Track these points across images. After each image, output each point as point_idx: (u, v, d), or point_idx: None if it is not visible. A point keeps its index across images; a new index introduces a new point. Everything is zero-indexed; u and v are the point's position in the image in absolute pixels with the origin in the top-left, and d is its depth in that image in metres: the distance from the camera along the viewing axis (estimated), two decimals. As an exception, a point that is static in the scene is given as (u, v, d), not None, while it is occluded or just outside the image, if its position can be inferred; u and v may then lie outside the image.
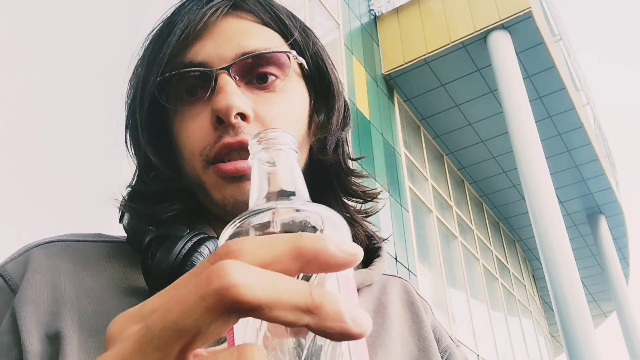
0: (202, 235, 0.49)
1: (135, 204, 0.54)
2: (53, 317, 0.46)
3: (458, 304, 8.12)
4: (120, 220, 0.56)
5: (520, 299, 11.19)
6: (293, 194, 0.29)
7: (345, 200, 0.60)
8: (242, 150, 0.50)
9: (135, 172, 0.58)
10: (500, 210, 11.03)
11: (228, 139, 0.50)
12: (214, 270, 0.21)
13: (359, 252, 0.24)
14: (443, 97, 8.43)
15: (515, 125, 6.73)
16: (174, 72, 0.52)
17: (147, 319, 0.22)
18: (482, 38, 7.62)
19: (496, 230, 11.12)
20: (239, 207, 0.51)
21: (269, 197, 0.29)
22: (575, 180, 10.03)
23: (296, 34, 0.56)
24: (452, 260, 8.47)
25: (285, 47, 0.56)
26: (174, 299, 0.21)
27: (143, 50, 0.57)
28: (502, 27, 7.50)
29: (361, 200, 0.61)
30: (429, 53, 7.93)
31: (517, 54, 7.41)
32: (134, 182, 0.58)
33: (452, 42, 7.78)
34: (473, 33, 7.67)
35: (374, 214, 0.62)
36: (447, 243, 8.53)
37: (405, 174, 7.71)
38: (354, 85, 7.14)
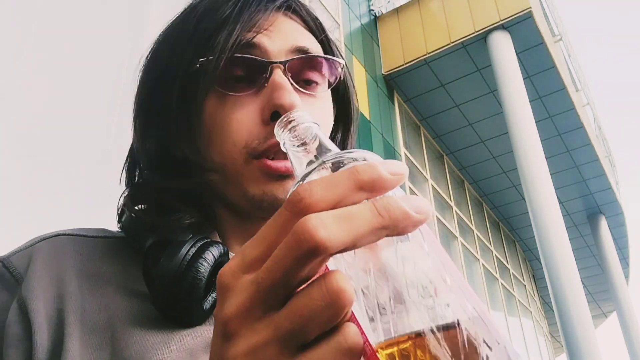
0: (206, 240, 0.48)
1: (138, 209, 0.53)
2: (58, 313, 0.46)
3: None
4: (119, 220, 0.55)
5: (520, 299, 11.19)
6: (329, 150, 0.32)
7: None
8: None
9: (138, 165, 0.57)
10: (500, 211, 11.03)
11: None
12: (300, 232, 0.25)
13: (405, 171, 0.29)
14: (443, 97, 8.43)
15: (515, 125, 6.73)
16: (226, 55, 0.50)
17: (252, 271, 0.27)
18: (482, 38, 7.62)
19: (496, 231, 11.12)
20: (276, 205, 0.51)
21: (312, 162, 0.32)
22: (576, 180, 10.03)
23: (334, 48, 0.59)
24: (452, 260, 8.46)
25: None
26: (274, 259, 0.26)
27: (178, 22, 0.56)
28: (502, 27, 7.50)
29: None
30: (429, 53, 7.93)
31: (517, 54, 7.41)
32: (135, 179, 0.57)
33: (452, 42, 7.79)
34: (473, 33, 7.67)
35: None
36: (447, 243, 8.53)
37: (405, 174, 7.70)
38: (354, 85, 7.13)
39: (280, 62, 0.51)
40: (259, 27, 0.52)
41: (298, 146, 0.33)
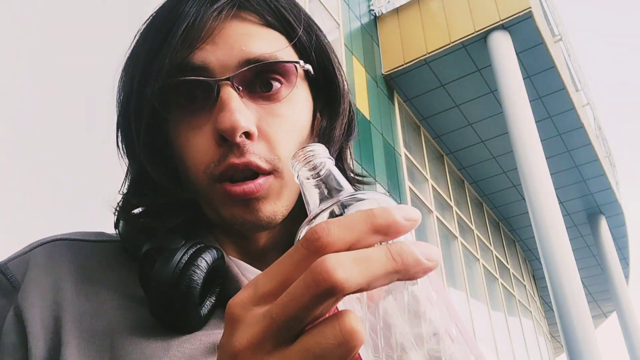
0: (198, 246, 0.48)
1: (132, 215, 0.53)
2: (55, 322, 0.46)
3: (458, 304, 8.12)
4: (116, 226, 0.55)
5: (520, 299, 11.19)
6: (342, 189, 0.34)
7: None
8: (247, 170, 0.49)
9: (127, 175, 0.56)
10: (500, 211, 11.03)
11: (234, 160, 0.48)
12: (318, 271, 0.26)
13: (418, 217, 0.30)
14: (443, 97, 8.43)
15: (515, 125, 6.73)
16: (172, 80, 0.49)
17: (264, 304, 0.28)
18: (482, 38, 7.62)
19: (496, 231, 11.12)
20: (247, 227, 0.50)
21: (325, 200, 0.33)
22: (575, 180, 10.03)
23: (301, 33, 0.54)
24: (452, 260, 8.48)
25: (290, 50, 0.53)
26: (290, 295, 0.26)
27: (134, 46, 0.55)
28: (502, 27, 7.50)
29: None
30: (429, 53, 7.93)
31: (517, 54, 7.41)
32: (127, 189, 0.56)
33: (452, 42, 7.79)
34: (473, 33, 7.67)
35: None
36: (447, 243, 8.54)
37: (405, 174, 7.71)
38: (354, 85, 7.14)
39: (225, 79, 0.48)
40: (201, 40, 0.49)
41: (309, 178, 0.34)
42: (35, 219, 2.23)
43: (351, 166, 0.60)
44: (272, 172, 0.50)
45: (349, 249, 0.27)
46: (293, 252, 0.28)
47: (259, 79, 0.51)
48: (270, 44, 0.51)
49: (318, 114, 0.57)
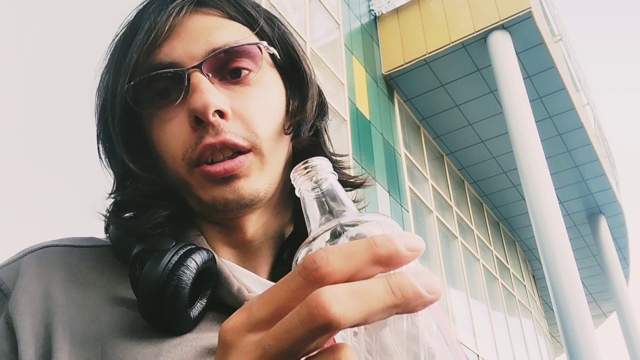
0: (189, 247, 0.48)
1: (119, 216, 0.54)
2: (46, 328, 0.46)
3: (458, 304, 8.12)
4: (106, 230, 0.55)
5: (520, 299, 11.19)
6: (345, 209, 0.33)
7: None
8: (224, 149, 0.49)
9: (114, 182, 0.57)
10: (500, 211, 11.03)
11: (210, 140, 0.49)
12: (313, 305, 0.25)
13: (422, 247, 0.28)
14: (443, 97, 8.43)
15: (515, 125, 6.73)
16: (143, 76, 0.51)
17: (257, 331, 0.27)
18: (482, 38, 7.63)
19: (496, 231, 11.12)
20: (230, 207, 0.50)
21: (326, 219, 0.32)
22: (576, 180, 10.03)
23: (262, 23, 0.56)
24: (452, 260, 8.48)
25: (254, 38, 0.55)
26: (284, 327, 0.26)
27: (109, 56, 0.56)
28: (502, 27, 7.51)
29: (350, 188, 0.60)
30: (429, 53, 7.93)
31: (517, 54, 7.41)
32: (114, 190, 0.57)
33: (452, 42, 7.79)
34: (473, 33, 7.68)
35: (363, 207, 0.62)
36: (447, 243, 8.54)
37: (405, 174, 7.71)
38: (354, 85, 7.14)
39: (193, 67, 0.50)
40: (166, 35, 0.51)
41: (310, 192, 0.33)
42: (25, 226, 2.23)
43: (330, 149, 0.61)
44: (251, 149, 0.51)
45: (348, 280, 0.26)
46: (290, 280, 0.27)
47: (227, 66, 0.52)
48: (234, 34, 0.54)
49: (290, 101, 0.58)
